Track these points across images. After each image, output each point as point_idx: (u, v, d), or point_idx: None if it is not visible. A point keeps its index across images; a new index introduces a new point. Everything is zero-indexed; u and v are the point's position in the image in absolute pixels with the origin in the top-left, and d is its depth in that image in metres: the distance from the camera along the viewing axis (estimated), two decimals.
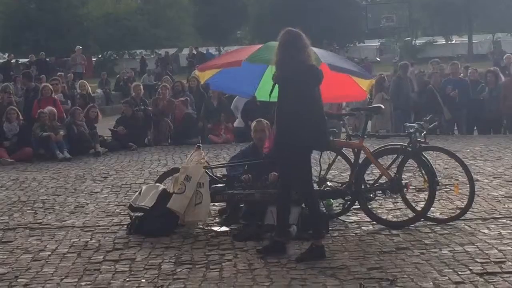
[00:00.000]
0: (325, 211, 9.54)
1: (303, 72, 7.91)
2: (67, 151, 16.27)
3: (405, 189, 9.46)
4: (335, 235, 8.82)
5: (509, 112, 18.30)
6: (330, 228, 8.98)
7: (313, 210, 8.13)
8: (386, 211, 9.91)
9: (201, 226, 9.37)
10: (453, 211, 9.70)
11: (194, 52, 45.09)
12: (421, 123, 9.66)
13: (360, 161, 9.44)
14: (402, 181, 9.43)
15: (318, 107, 8.06)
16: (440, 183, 9.75)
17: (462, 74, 20.22)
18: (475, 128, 18.90)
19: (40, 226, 9.79)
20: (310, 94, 7.96)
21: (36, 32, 47.40)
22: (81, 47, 37.86)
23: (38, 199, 11.63)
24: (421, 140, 9.39)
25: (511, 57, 24.63)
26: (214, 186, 9.40)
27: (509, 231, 8.63)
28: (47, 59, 39.83)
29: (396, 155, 9.48)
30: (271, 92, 8.14)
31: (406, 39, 58.68)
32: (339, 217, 9.59)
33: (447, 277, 7.02)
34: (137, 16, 52.55)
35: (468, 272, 7.17)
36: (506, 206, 10.00)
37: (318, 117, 8.03)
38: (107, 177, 13.60)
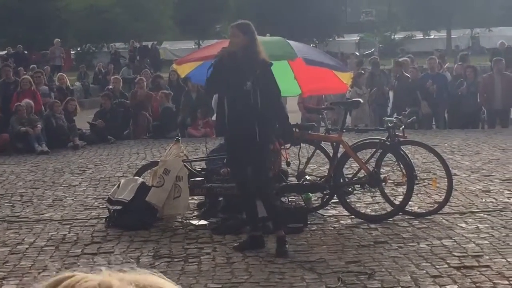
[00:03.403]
0: (303, 205, 9.57)
1: (269, 67, 7.91)
2: (45, 144, 16.19)
3: (383, 183, 9.50)
4: (314, 228, 8.84)
5: (489, 107, 18.43)
6: (308, 222, 9.00)
7: (269, 203, 8.10)
8: (365, 205, 9.94)
9: (179, 220, 9.36)
10: (431, 205, 9.75)
11: (137, 45, 43.47)
12: (400, 117, 9.69)
13: (339, 155, 9.47)
14: (381, 175, 9.47)
15: (279, 101, 8.19)
16: (418, 177, 9.79)
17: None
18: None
19: (18, 219, 9.75)
20: (277, 88, 7.98)
21: (15, 25, 47.07)
22: (60, 40, 37.65)
23: (16, 192, 11.58)
24: (400, 134, 9.43)
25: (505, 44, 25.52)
26: (193, 179, 9.40)
27: (486, 225, 8.68)
28: (25, 52, 39.51)
29: (374, 149, 9.51)
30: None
31: (385, 33, 58.79)
32: (317, 211, 9.61)
33: (424, 271, 7.05)
34: (116, 9, 52.32)
35: (446, 265, 7.20)
36: (484, 200, 10.06)
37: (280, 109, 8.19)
38: (85, 170, 13.55)
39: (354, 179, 9.69)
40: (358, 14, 65.14)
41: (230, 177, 9.02)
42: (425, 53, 34.47)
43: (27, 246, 8.38)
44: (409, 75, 19.10)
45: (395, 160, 9.55)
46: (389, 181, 10.15)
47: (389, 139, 9.38)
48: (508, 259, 7.32)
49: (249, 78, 7.79)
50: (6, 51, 39.31)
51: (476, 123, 18.68)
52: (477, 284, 6.63)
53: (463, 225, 8.76)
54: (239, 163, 8.14)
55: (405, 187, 9.42)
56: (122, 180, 9.87)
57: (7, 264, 7.72)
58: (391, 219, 9.13)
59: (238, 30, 7.97)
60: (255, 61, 7.86)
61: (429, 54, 27.05)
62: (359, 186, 9.59)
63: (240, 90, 7.80)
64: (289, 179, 9.95)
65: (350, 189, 9.59)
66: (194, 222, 9.25)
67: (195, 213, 9.76)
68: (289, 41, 10.05)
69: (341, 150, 9.47)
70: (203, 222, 9.20)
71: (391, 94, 19.36)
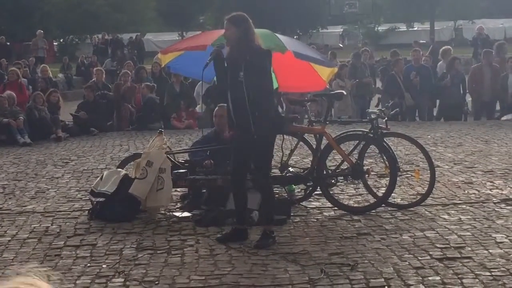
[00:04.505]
0: (287, 196, 9.57)
1: (261, 56, 7.91)
2: (27, 136, 16.13)
3: (366, 175, 9.52)
4: (297, 220, 8.85)
5: (476, 97, 18.52)
6: (291, 214, 9.00)
7: (267, 196, 8.11)
8: (348, 196, 9.96)
9: (162, 212, 9.35)
10: (414, 197, 9.78)
11: (107, 37, 42.78)
12: (383, 109, 9.71)
13: (322, 147, 9.47)
14: (364, 167, 9.48)
15: (272, 91, 8.19)
16: (401, 169, 9.82)
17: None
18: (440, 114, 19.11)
19: (0, 212, 9.71)
20: (269, 78, 7.99)
21: None
22: (42, 32, 37.50)
23: None
24: (383, 126, 9.45)
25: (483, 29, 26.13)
26: (176, 171, 9.38)
27: (469, 217, 8.72)
28: (8, 43, 39.29)
29: (357, 141, 9.53)
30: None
31: (369, 25, 58.89)
32: (300, 203, 9.62)
33: (407, 262, 7.07)
34: (99, 1, 52.13)
35: (428, 257, 7.23)
36: (466, 192, 10.10)
37: (273, 101, 8.16)
38: (68, 162, 13.51)
39: (337, 171, 9.69)
40: (341, 6, 65.19)
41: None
42: (408, 45, 34.56)
43: (9, 238, 8.35)
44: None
45: (378, 152, 9.57)
46: (372, 173, 10.16)
47: (372, 131, 9.39)
48: (490, 251, 7.36)
49: (241, 68, 7.85)
50: None
51: (459, 115, 18.73)
52: (459, 276, 6.65)
53: (446, 216, 8.80)
54: (238, 154, 8.13)
55: (388, 179, 9.44)
56: (105, 172, 9.84)
57: None
58: (374, 211, 9.16)
59: (230, 23, 8.01)
60: (245, 50, 7.89)
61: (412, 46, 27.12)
62: (342, 178, 9.60)
63: (236, 81, 7.86)
64: (273, 171, 9.94)
65: (333, 181, 9.59)
66: (177, 214, 9.24)
67: (178, 205, 9.74)
68: (276, 34, 10.04)
69: (324, 142, 9.48)
70: (186, 214, 9.19)
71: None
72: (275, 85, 10.37)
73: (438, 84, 18.44)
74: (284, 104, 17.07)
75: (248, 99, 7.80)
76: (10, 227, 8.86)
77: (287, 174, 9.65)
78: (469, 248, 7.46)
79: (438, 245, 7.59)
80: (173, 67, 11.09)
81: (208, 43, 9.34)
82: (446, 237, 7.87)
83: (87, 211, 9.36)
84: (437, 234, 8.01)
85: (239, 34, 7.91)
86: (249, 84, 7.78)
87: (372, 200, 9.52)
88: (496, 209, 9.09)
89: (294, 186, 9.83)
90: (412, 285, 6.48)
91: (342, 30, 59.19)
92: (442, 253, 7.33)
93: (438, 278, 6.63)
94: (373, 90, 20.13)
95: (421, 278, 6.63)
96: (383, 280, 6.63)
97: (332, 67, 10.72)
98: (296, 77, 10.27)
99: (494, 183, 10.63)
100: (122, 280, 6.83)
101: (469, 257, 7.17)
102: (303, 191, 9.86)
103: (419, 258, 7.21)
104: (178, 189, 9.99)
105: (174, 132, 16.78)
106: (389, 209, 9.24)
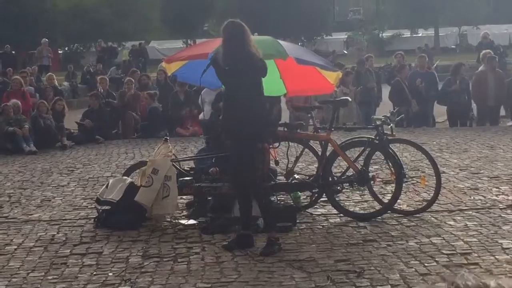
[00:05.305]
0: (292, 203, 9.57)
1: (250, 64, 7.92)
2: (33, 144, 16.14)
3: (372, 182, 9.51)
4: (303, 227, 8.84)
5: (480, 103, 18.51)
6: (297, 221, 9.00)
7: (260, 202, 8.10)
8: (353, 203, 9.95)
9: (168, 219, 9.35)
10: (420, 203, 9.77)
11: (104, 45, 43.12)
12: (388, 115, 9.69)
13: (328, 153, 9.47)
14: (369, 174, 9.47)
15: (263, 99, 8.20)
16: (406, 176, 9.80)
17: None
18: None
19: (6, 220, 9.72)
20: (258, 85, 7.99)
21: (2, 25, 46.87)
22: (47, 40, 37.56)
23: (4, 193, 11.55)
24: (388, 132, 9.44)
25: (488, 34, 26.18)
26: (181, 179, 9.39)
27: (475, 223, 8.70)
28: (13, 52, 39.34)
29: (363, 148, 9.52)
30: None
31: (373, 32, 58.86)
32: (306, 210, 9.61)
33: (413, 269, 7.06)
34: (104, 9, 52.20)
35: (435, 263, 7.22)
36: (472, 198, 10.08)
37: (263, 109, 8.17)
38: (74, 170, 13.52)
39: (342, 177, 9.69)
40: (346, 12, 65.25)
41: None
42: (412, 51, 34.60)
43: (15, 247, 8.36)
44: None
45: (383, 158, 9.56)
46: (378, 180, 10.15)
47: (377, 138, 9.39)
48: (497, 257, 7.35)
49: (225, 74, 8.06)
50: None
51: (465, 121, 18.71)
52: None
53: (452, 223, 8.78)
54: (232, 162, 8.18)
55: (393, 185, 9.43)
56: (111, 180, 9.85)
57: None
58: (379, 218, 9.15)
59: (221, 31, 8.13)
60: (228, 56, 7.99)
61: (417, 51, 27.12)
62: (347, 184, 9.59)
63: (230, 87, 8.14)
64: (278, 178, 9.95)
65: (338, 187, 9.58)
66: (183, 221, 9.24)
67: (184, 212, 9.75)
68: (278, 40, 10.05)
69: (330, 148, 9.48)
70: (192, 221, 9.20)
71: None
72: (283, 91, 10.40)
73: (446, 90, 18.41)
74: (288, 110, 17.07)
75: (232, 104, 7.98)
76: (16, 236, 8.87)
77: (293, 181, 9.64)
78: (476, 254, 7.45)
79: (444, 252, 7.59)
80: (180, 76, 11.14)
81: (209, 51, 9.37)
82: (453, 244, 7.86)
83: (93, 219, 9.36)
84: (443, 241, 8.00)
85: (225, 42, 8.03)
86: (231, 89, 7.92)
87: (378, 206, 9.51)
88: (502, 215, 9.08)
89: (299, 193, 9.82)
90: None
91: (346, 36, 59.12)
92: (448, 260, 7.32)
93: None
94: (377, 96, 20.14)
95: (427, 285, 6.61)
96: (389, 286, 6.62)
97: (336, 71, 10.73)
98: (303, 80, 10.27)
99: (500, 189, 10.61)
100: None
101: (476, 263, 7.16)
102: (308, 198, 9.85)
103: (426, 264, 7.20)
104: (184, 197, 10.00)
105: (179, 140, 16.79)
106: (395, 215, 9.23)
